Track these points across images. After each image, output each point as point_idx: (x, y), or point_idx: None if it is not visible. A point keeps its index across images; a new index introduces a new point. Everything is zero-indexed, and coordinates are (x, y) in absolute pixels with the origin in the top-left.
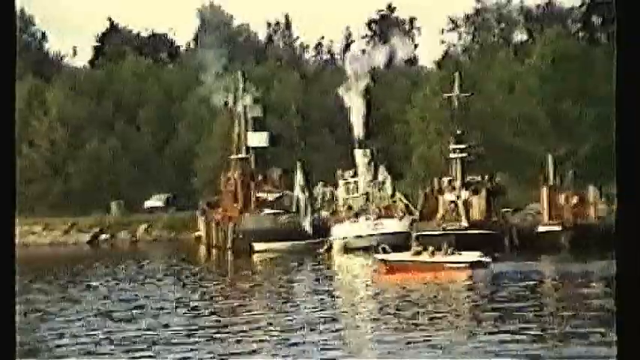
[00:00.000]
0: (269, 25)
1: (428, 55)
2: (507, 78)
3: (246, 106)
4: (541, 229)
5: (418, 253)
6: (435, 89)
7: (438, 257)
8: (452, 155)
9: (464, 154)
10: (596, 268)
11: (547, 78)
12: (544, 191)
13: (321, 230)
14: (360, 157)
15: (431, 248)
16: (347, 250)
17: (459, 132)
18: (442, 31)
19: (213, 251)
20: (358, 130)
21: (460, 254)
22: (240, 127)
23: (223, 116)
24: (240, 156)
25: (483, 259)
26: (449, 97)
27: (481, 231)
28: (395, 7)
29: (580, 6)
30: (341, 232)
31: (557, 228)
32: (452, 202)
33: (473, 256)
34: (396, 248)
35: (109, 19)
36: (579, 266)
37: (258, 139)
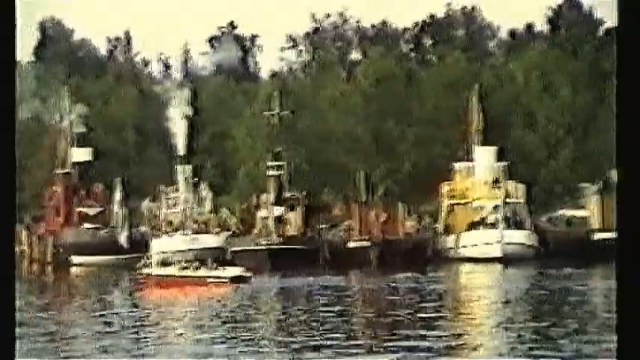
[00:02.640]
0: (109, 40)
1: (267, 72)
2: (336, 96)
3: (71, 122)
4: (351, 244)
5: (184, 267)
6: (262, 106)
7: (202, 272)
8: (269, 172)
9: (280, 172)
10: (400, 281)
11: (370, 97)
12: (355, 208)
13: (142, 245)
14: (181, 173)
15: (196, 263)
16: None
17: (277, 149)
18: (282, 49)
19: (35, 265)
20: (180, 147)
21: (223, 269)
22: (65, 142)
23: (51, 131)
24: (63, 171)
25: (244, 274)
26: (270, 114)
27: (294, 246)
28: (237, 25)
29: (413, 27)
30: (159, 246)
31: (367, 243)
32: (265, 218)
33: (234, 271)
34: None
35: None
36: (384, 280)
37: (81, 155)
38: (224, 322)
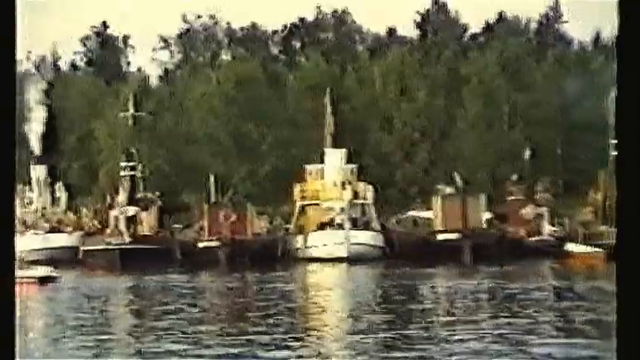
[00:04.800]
0: None
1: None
2: (199, 98)
3: None
4: (201, 244)
5: None
6: (123, 107)
7: None
8: (122, 172)
9: (133, 172)
10: (239, 280)
11: (232, 99)
12: (205, 208)
13: None
14: (35, 172)
15: None
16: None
17: (131, 150)
18: (154, 50)
19: None
20: (35, 145)
21: (31, 269)
22: None
23: None
24: None
25: (53, 274)
26: (125, 115)
27: (145, 246)
28: (109, 25)
29: (282, 30)
30: None
31: (216, 243)
32: (117, 217)
33: (43, 270)
34: (64, 262)
35: None
36: (230, 279)
37: None
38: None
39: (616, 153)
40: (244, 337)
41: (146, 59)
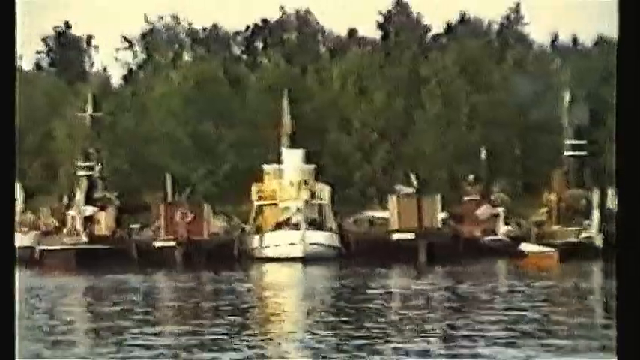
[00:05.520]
0: None
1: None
2: (158, 98)
3: None
4: (157, 244)
5: None
6: (82, 107)
7: None
8: (80, 173)
9: (91, 172)
10: (206, 279)
11: (191, 99)
12: (162, 208)
13: None
14: None
15: None
16: None
17: (89, 150)
18: (117, 50)
19: None
20: None
21: None
22: None
23: None
24: None
25: None
26: (82, 116)
27: (101, 246)
28: (71, 25)
29: (244, 30)
30: None
31: (172, 243)
32: (74, 217)
33: None
34: (20, 262)
35: None
36: (183, 278)
37: None
38: None
39: (574, 154)
40: (197, 338)
41: (109, 59)
